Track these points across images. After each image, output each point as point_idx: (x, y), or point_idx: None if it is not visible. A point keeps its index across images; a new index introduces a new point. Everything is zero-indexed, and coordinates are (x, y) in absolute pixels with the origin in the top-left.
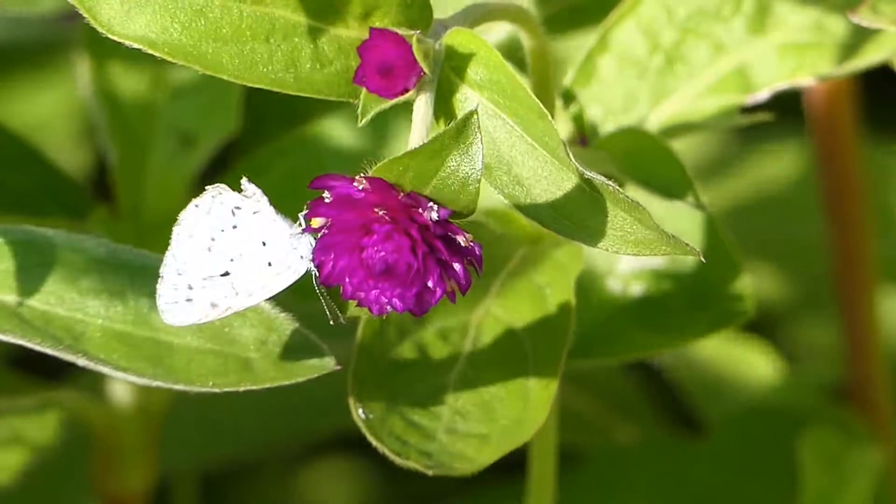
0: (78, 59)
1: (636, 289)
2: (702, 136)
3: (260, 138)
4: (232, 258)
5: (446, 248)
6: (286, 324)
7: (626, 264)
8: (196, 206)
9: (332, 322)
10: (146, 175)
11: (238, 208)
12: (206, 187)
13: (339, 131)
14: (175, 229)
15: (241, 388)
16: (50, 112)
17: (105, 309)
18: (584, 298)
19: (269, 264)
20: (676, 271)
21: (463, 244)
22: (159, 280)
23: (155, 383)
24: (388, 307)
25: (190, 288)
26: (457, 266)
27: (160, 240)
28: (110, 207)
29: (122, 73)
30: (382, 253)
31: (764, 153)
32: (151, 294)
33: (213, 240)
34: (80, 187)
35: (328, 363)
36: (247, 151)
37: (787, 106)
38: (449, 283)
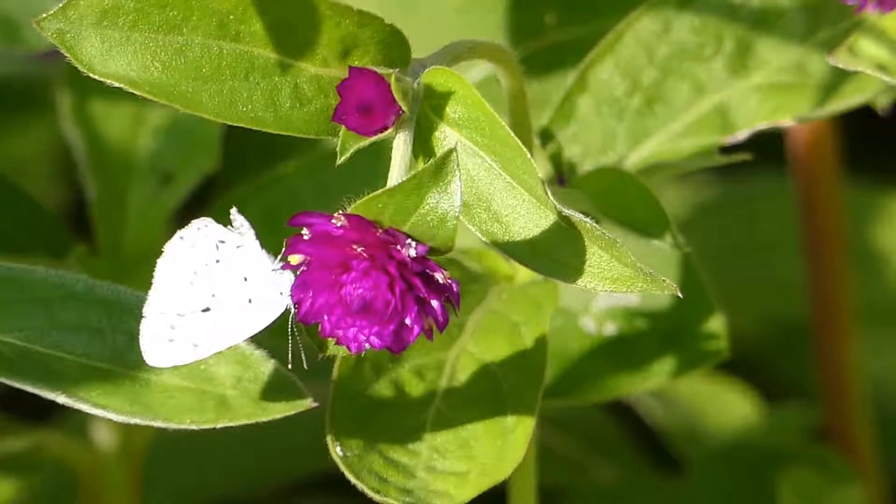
0: (59, 97)
1: (610, 327)
2: (682, 176)
3: (239, 174)
4: (213, 293)
5: (424, 285)
6: (262, 361)
7: (600, 302)
8: (181, 237)
9: (305, 363)
10: (125, 212)
11: (222, 242)
12: (193, 220)
13: (317, 168)
14: (159, 261)
15: (219, 426)
16: (28, 149)
17: (83, 346)
18: (557, 337)
19: (250, 301)
20: (651, 310)
21: (441, 281)
22: (142, 319)
23: (133, 420)
24: (366, 344)
25: (172, 328)
26: (434, 303)
27: (139, 277)
28: (89, 244)
29: (102, 111)
30: (361, 290)
31: (745, 194)
32: (129, 331)
33: (195, 273)
34: (61, 225)
35: (305, 401)
36: (226, 188)
37: (769, 147)
38: (426, 320)
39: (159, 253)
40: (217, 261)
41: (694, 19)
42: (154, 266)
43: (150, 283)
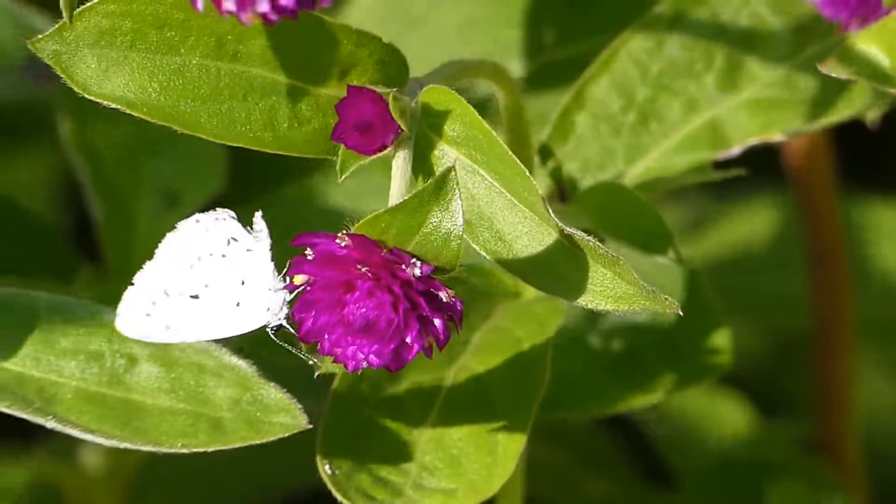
0: (59, 119)
1: (614, 343)
2: (680, 191)
3: (245, 194)
4: (207, 284)
5: (428, 304)
6: (261, 384)
7: (607, 319)
8: (197, 220)
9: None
10: (133, 234)
11: (234, 240)
12: (215, 210)
13: (323, 188)
14: (168, 235)
15: (211, 449)
16: (26, 173)
17: (80, 370)
18: (562, 353)
19: (238, 304)
20: (656, 325)
21: (445, 300)
22: (129, 286)
23: (123, 444)
24: (364, 363)
25: (153, 303)
26: (437, 322)
27: None
28: (96, 268)
29: (105, 132)
30: (364, 309)
31: (742, 209)
32: (129, 355)
33: (198, 258)
34: (68, 249)
35: (300, 422)
36: (232, 208)
37: (765, 161)
38: (427, 339)
39: None
40: (223, 255)
41: (685, 36)
42: None
43: None
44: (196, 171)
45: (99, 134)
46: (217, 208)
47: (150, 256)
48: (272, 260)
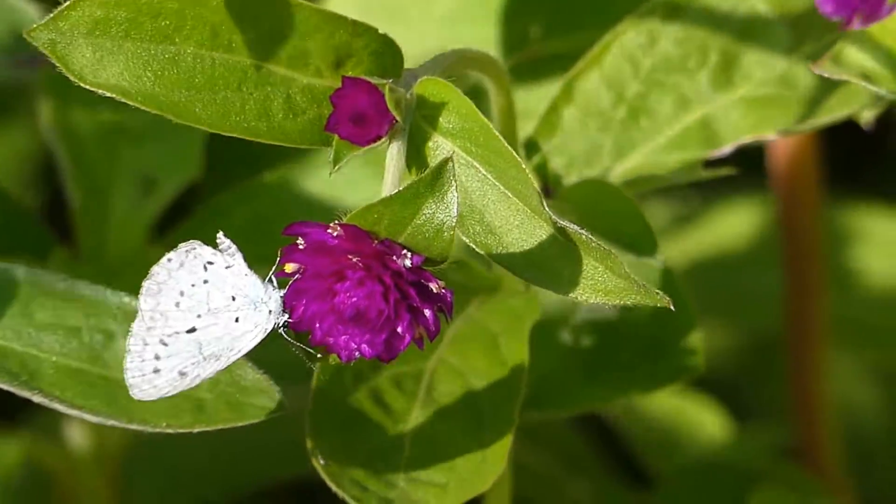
0: (40, 103)
1: (587, 341)
2: (664, 188)
3: (223, 182)
4: (199, 314)
5: (418, 295)
6: (239, 365)
7: (578, 315)
8: (169, 259)
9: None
10: (108, 219)
11: (211, 263)
12: (181, 243)
13: (301, 177)
14: (145, 283)
15: (196, 430)
16: (2, 153)
17: (60, 345)
18: (535, 350)
19: (237, 320)
20: (628, 324)
21: (435, 290)
22: (126, 354)
23: (109, 422)
24: (357, 353)
25: (157, 357)
26: (427, 312)
27: (122, 283)
28: (70, 249)
29: (84, 117)
30: (354, 299)
31: (725, 208)
32: (106, 331)
33: (182, 294)
34: (43, 228)
35: (281, 405)
36: (209, 195)
37: (750, 160)
38: (418, 330)
39: (142, 259)
40: (205, 281)
41: (679, 32)
42: (137, 272)
43: (135, 289)
44: (174, 158)
45: (79, 118)
46: (182, 243)
47: (125, 242)
48: (250, 268)
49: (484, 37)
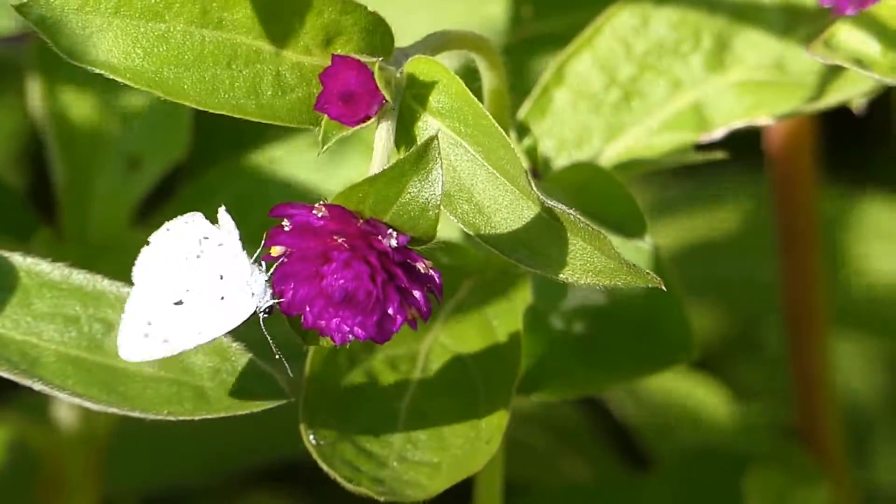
0: (28, 80)
1: (579, 325)
2: (656, 172)
3: (207, 163)
4: (188, 288)
5: (406, 276)
6: (239, 354)
7: (569, 301)
8: (168, 229)
9: (277, 353)
10: (92, 198)
11: (206, 238)
12: (183, 214)
13: (285, 157)
14: (143, 251)
15: (197, 417)
16: None
17: (59, 334)
18: (527, 334)
19: (222, 298)
20: (620, 308)
21: (423, 271)
22: (123, 314)
23: (110, 410)
24: (350, 336)
25: (148, 323)
26: (416, 293)
27: (105, 262)
28: (54, 229)
29: (72, 95)
30: (342, 281)
31: (720, 192)
32: (105, 320)
33: (175, 265)
34: (26, 208)
35: (282, 393)
36: (194, 176)
37: (746, 144)
38: (409, 311)
39: (126, 240)
40: (198, 256)
41: (672, 15)
42: (119, 255)
43: (119, 271)
44: (160, 137)
45: (67, 96)
46: (184, 214)
47: (108, 222)
48: (243, 249)
49: (476, 17)
